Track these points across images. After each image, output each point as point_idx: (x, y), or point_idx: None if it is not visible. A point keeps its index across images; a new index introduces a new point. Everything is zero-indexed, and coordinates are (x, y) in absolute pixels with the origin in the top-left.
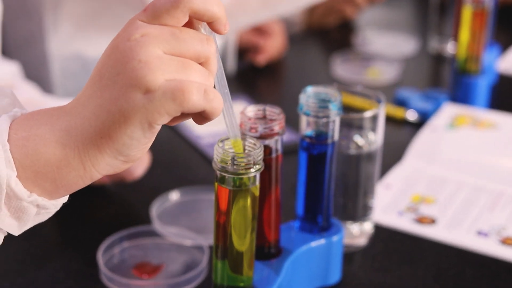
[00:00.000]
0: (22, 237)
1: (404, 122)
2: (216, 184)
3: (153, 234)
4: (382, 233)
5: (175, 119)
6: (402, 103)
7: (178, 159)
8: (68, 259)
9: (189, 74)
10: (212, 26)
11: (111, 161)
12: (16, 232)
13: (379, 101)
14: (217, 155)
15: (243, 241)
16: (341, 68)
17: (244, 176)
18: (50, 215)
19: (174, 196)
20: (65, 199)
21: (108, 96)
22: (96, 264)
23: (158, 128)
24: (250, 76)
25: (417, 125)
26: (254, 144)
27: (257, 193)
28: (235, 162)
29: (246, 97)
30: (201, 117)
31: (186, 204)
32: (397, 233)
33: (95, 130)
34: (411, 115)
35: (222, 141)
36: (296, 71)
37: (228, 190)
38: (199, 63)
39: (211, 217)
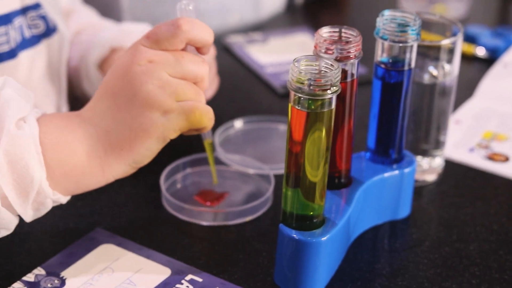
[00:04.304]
0: None
1: (473, 59)
2: (290, 106)
3: (217, 162)
4: (452, 169)
5: None
6: (471, 40)
7: (241, 88)
8: (130, 184)
9: (191, 94)
10: (200, 49)
11: (126, 168)
12: (28, 220)
13: (455, 32)
14: (292, 74)
15: (316, 172)
16: (407, 3)
17: (320, 98)
18: None
19: (238, 124)
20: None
21: (127, 114)
22: (157, 190)
23: (168, 141)
24: (314, 8)
25: (487, 62)
26: (332, 65)
27: (332, 119)
28: (311, 83)
29: (310, 29)
30: (195, 131)
31: (249, 132)
32: (468, 169)
33: (116, 143)
34: (481, 52)
35: (297, 61)
36: (360, 4)
37: (303, 113)
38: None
39: (275, 146)
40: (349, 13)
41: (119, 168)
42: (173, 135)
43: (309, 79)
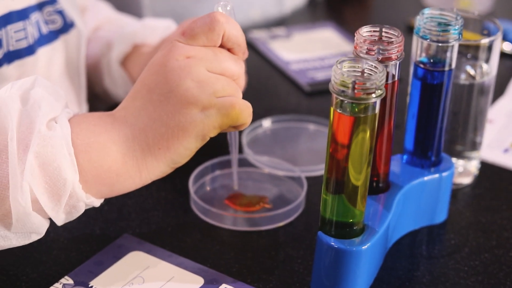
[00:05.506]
0: None
1: (500, 55)
2: (332, 109)
3: (245, 163)
4: (487, 171)
5: None
6: None
7: (267, 86)
8: (157, 187)
9: (230, 90)
10: (232, 50)
11: (164, 168)
12: (60, 223)
13: (493, 30)
14: (335, 77)
15: (359, 176)
16: None
17: (364, 102)
18: None
19: (266, 123)
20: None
21: (163, 111)
22: (186, 193)
23: (208, 139)
24: (336, 3)
25: None
26: (376, 67)
27: (375, 122)
28: (355, 86)
29: (333, 25)
30: (233, 128)
31: (278, 132)
32: (503, 171)
33: (153, 142)
34: (508, 47)
35: (340, 62)
36: None
37: (346, 117)
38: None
39: (305, 147)
40: (371, 8)
41: (158, 168)
42: (213, 132)
43: (353, 82)
